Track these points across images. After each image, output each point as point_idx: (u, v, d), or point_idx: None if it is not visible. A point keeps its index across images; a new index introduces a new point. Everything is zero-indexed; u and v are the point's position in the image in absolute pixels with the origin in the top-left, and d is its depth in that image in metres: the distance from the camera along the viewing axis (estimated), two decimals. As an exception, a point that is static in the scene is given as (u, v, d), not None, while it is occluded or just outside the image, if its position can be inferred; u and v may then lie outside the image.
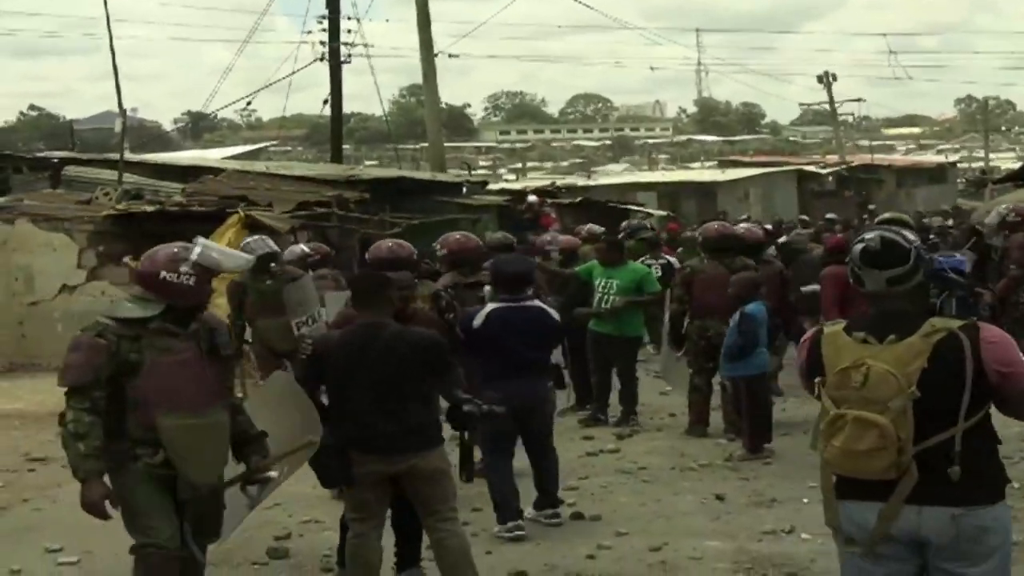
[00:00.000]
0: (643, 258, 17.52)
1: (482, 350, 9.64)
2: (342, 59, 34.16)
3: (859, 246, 5.31)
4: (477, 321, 9.62)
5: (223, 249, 7.97)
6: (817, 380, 5.21)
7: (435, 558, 7.82)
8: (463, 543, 7.80)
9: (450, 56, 39.62)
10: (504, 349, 9.55)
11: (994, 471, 5.13)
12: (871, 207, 34.85)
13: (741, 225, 15.63)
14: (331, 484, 7.98)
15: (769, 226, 24.73)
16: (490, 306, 9.76)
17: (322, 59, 34.23)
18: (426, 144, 46.68)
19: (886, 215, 14.65)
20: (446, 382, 7.97)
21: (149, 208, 20.04)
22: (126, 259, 18.95)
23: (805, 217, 33.45)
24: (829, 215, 30.03)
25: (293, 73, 35.87)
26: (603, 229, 20.87)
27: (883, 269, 5.23)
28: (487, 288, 10.47)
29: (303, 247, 15.63)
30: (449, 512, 7.76)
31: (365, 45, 36.80)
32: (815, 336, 5.37)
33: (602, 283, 14.51)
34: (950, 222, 31.01)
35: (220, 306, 17.97)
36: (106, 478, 6.63)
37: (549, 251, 16.92)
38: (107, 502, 6.62)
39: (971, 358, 4.98)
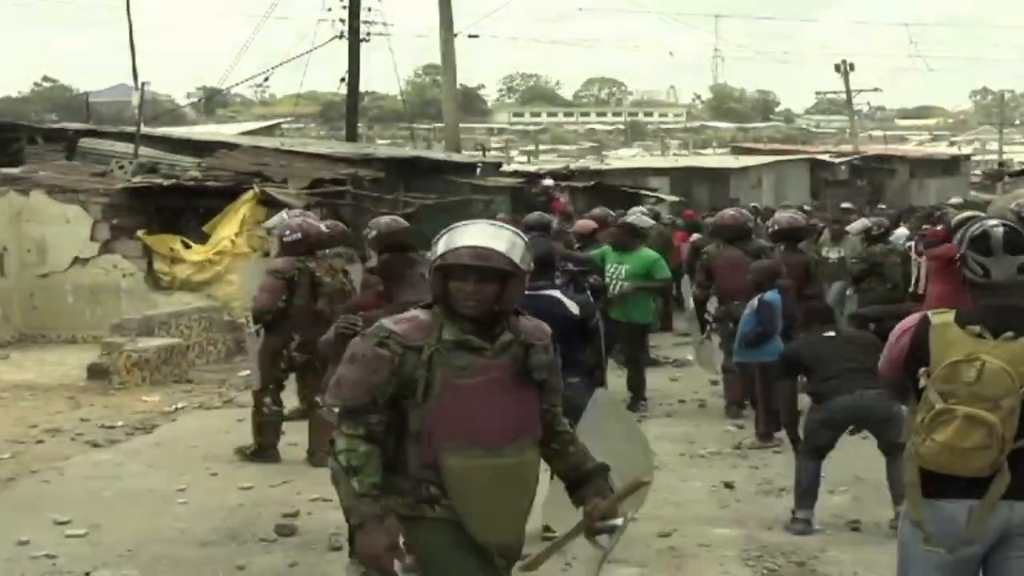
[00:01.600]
0: None
1: None
2: (361, 37, 34.09)
3: (983, 231, 5.14)
4: None
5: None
6: (922, 371, 5.05)
7: None
8: None
9: (469, 36, 39.48)
10: None
11: None
12: (879, 206, 34.58)
13: (727, 211, 15.64)
14: None
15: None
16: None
17: (341, 36, 34.15)
18: (440, 124, 46.63)
19: (966, 214, 14.12)
20: None
21: (164, 182, 20.03)
22: (139, 233, 18.99)
23: (806, 207, 33.03)
24: (844, 204, 29.85)
25: (312, 50, 35.81)
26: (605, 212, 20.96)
27: (1018, 254, 5.11)
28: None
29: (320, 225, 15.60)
30: None
31: (384, 24, 36.73)
32: (921, 325, 5.16)
33: (612, 268, 14.50)
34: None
35: (232, 284, 18.04)
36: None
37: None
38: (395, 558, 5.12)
39: None
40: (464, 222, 5.27)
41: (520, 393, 5.15)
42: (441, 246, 5.06)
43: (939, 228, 16.23)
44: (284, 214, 13.76)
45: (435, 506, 5.06)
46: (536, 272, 8.97)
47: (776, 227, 14.84)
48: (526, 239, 5.24)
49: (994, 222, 5.24)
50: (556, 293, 8.99)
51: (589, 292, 10.99)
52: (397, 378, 5.02)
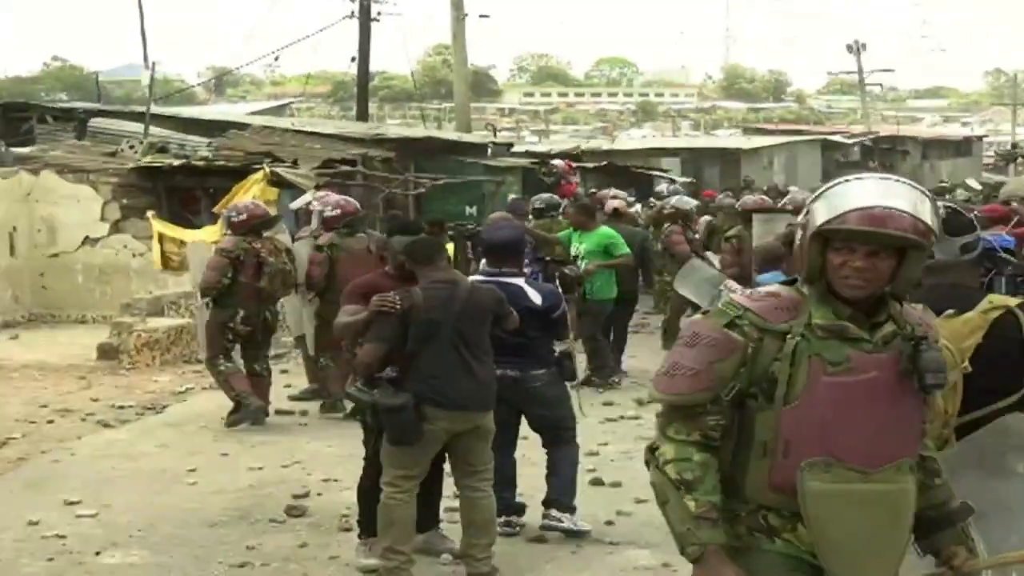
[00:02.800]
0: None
1: None
2: (372, 17, 34.02)
3: None
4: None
5: None
6: None
7: (465, 516, 7.93)
8: (493, 504, 7.99)
9: (480, 16, 39.38)
10: (465, 331, 8.40)
11: None
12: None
13: (750, 196, 16.41)
14: (402, 442, 7.60)
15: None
16: (469, 279, 8.81)
17: (352, 16, 34.08)
18: (450, 104, 46.56)
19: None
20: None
21: (175, 162, 20.01)
22: (149, 213, 18.97)
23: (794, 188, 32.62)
24: None
25: (323, 30, 35.80)
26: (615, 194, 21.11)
27: (957, 235, 5.30)
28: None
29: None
30: (490, 473, 7.96)
31: (395, 3, 36.69)
32: None
33: (573, 248, 14.75)
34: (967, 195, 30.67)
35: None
36: None
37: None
38: None
39: None
40: (849, 177, 4.22)
41: (904, 400, 4.07)
42: (821, 209, 4.04)
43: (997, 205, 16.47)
44: (309, 195, 14.89)
45: (775, 538, 4.10)
46: (503, 259, 8.86)
47: (742, 208, 15.79)
48: (931, 196, 4.14)
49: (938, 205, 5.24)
50: (520, 282, 8.76)
51: (558, 282, 10.97)
52: (749, 370, 4.01)
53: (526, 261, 10.58)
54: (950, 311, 5.04)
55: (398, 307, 7.56)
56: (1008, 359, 4.99)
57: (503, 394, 8.51)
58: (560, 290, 9.93)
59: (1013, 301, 5.15)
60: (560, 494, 8.86)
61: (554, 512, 8.78)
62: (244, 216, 12.77)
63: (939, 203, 5.16)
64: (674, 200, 18.47)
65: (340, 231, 13.05)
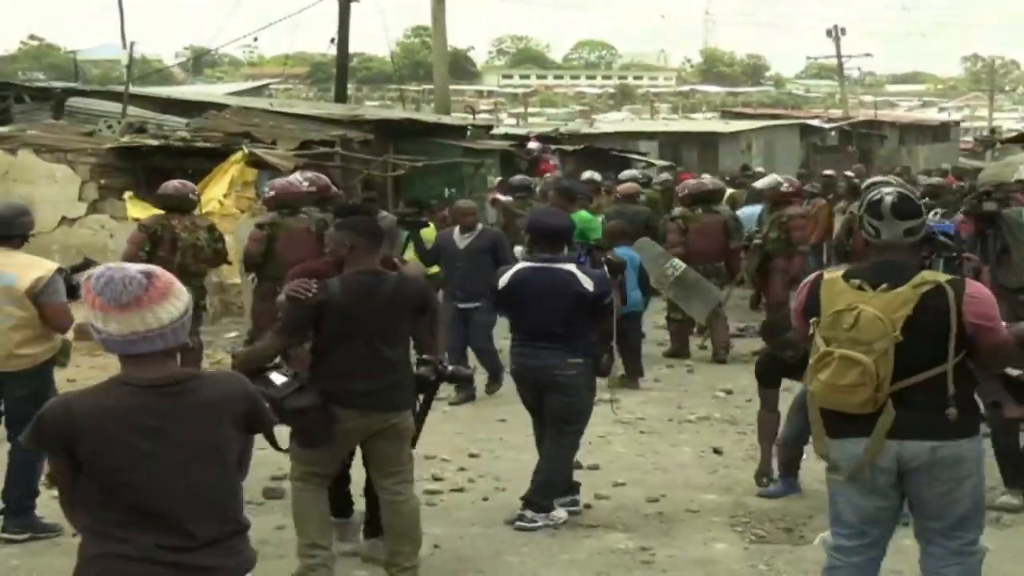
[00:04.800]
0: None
1: (508, 312, 9.17)
2: (352, -2, 33.89)
3: (879, 198, 5.80)
4: (502, 281, 8.83)
5: None
6: (812, 320, 5.72)
7: (385, 521, 7.52)
8: (416, 507, 7.57)
9: (461, -4, 39.32)
10: (526, 314, 8.76)
11: (968, 408, 5.72)
12: (856, 168, 34.38)
13: (705, 177, 17.46)
14: (311, 445, 7.23)
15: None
16: (518, 265, 8.94)
17: (332, -3, 33.94)
18: (429, 86, 46.48)
19: (877, 177, 15.90)
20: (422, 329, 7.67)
21: (153, 142, 19.94)
22: (127, 194, 18.91)
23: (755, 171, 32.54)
24: (827, 172, 29.68)
25: (302, 11, 35.60)
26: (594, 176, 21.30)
27: (904, 219, 5.74)
28: (518, 249, 9.74)
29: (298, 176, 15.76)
30: (410, 475, 7.55)
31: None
32: (815, 281, 5.88)
33: None
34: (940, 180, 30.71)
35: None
36: None
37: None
38: None
39: (954, 310, 5.52)
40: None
41: None
42: None
43: None
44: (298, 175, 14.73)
45: None
46: (550, 244, 8.81)
47: (686, 191, 16.47)
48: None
49: (888, 190, 5.92)
50: (571, 267, 8.70)
51: (606, 268, 11.10)
52: None
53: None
54: (884, 284, 5.57)
55: (311, 297, 7.03)
56: (936, 330, 5.52)
57: (533, 379, 8.73)
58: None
59: (943, 277, 5.71)
60: (539, 494, 8.75)
61: (528, 513, 8.70)
62: (273, 193, 13.66)
63: (891, 188, 5.97)
64: (705, 179, 18.74)
65: (282, 211, 13.47)
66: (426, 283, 7.69)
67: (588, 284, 8.59)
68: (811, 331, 5.72)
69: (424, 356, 7.68)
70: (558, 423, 8.80)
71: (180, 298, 4.27)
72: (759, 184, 16.70)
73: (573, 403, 8.76)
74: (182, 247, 12.87)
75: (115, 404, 4.22)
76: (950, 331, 5.52)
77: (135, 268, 4.23)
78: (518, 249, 10.18)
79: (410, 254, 13.74)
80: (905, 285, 5.57)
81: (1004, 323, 5.86)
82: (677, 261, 15.10)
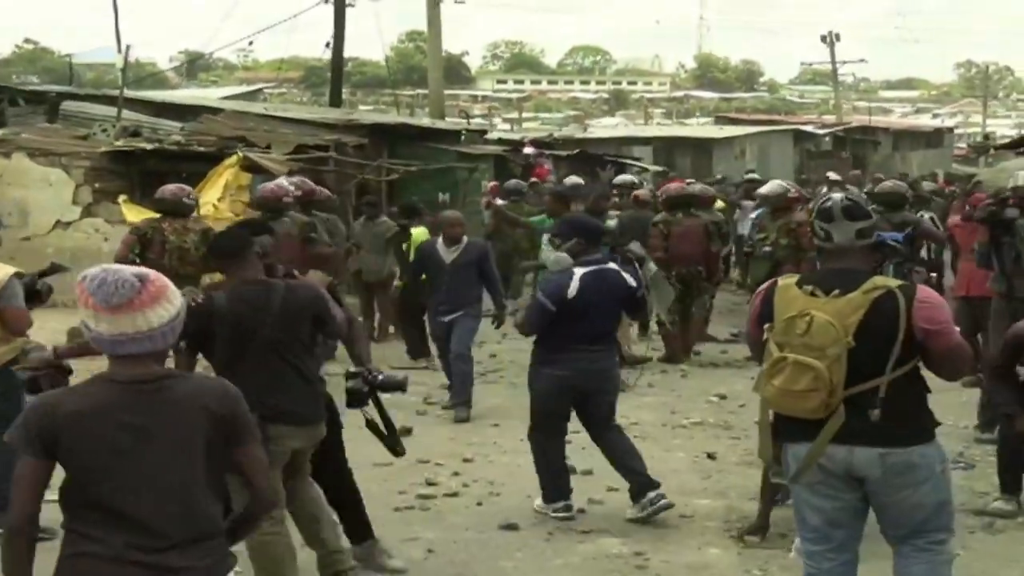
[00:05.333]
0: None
1: (567, 320, 8.70)
2: (347, 2, 33.94)
3: (829, 203, 5.93)
4: (571, 290, 8.61)
5: None
6: (767, 326, 5.79)
7: (308, 531, 7.36)
8: (324, 501, 7.49)
9: (456, 2, 39.31)
10: (587, 319, 8.69)
11: (921, 415, 5.76)
12: (853, 174, 34.34)
13: (887, 182, 17.22)
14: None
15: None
16: (579, 271, 8.68)
17: (327, 1, 33.99)
18: (423, 91, 46.49)
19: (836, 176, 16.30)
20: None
21: (147, 146, 19.95)
22: (121, 198, 18.91)
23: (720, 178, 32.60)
24: (833, 176, 29.71)
25: (298, 15, 35.69)
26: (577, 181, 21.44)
27: (854, 221, 5.83)
28: (552, 255, 9.10)
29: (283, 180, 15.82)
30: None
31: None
32: (769, 288, 5.94)
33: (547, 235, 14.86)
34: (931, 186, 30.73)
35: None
36: None
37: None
38: None
39: (904, 315, 5.56)
40: None
41: None
42: None
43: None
44: (283, 180, 14.84)
45: None
46: (591, 246, 8.85)
47: (665, 195, 16.61)
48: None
49: (839, 195, 6.07)
50: (615, 267, 8.96)
51: (637, 264, 11.14)
52: None
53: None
54: (836, 291, 5.62)
55: (199, 305, 6.62)
56: (887, 336, 5.57)
57: (586, 385, 8.80)
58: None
59: (894, 283, 5.79)
60: (641, 465, 9.01)
61: (653, 494, 8.83)
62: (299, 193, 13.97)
63: (840, 194, 6.13)
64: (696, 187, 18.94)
65: (265, 215, 13.36)
66: (318, 291, 7.20)
67: (632, 281, 8.95)
68: (764, 337, 5.78)
69: (351, 369, 7.51)
70: (605, 422, 9.07)
71: (172, 302, 4.28)
72: (763, 190, 16.66)
73: (615, 399, 9.16)
74: (169, 250, 12.98)
75: (97, 400, 4.22)
76: (897, 336, 5.57)
77: (129, 271, 4.23)
78: (554, 256, 9.24)
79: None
80: (856, 291, 5.62)
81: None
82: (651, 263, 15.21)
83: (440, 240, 13.05)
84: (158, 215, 13.39)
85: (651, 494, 8.83)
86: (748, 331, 6.15)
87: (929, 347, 5.65)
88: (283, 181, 14.49)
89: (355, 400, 7.48)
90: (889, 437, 5.61)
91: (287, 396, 6.79)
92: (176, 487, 4.22)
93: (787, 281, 5.87)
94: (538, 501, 9.08)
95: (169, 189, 13.50)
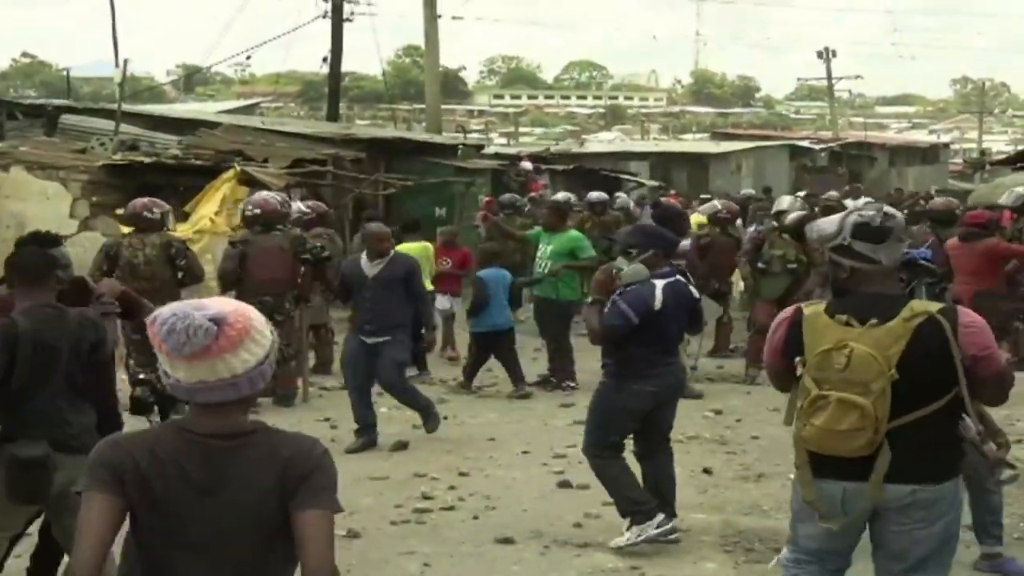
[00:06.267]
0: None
1: (649, 334, 8.44)
2: (345, 17, 34.00)
3: (870, 221, 5.44)
4: (657, 302, 8.34)
5: None
6: (797, 360, 5.40)
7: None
8: None
9: (453, 18, 39.42)
10: (669, 331, 8.62)
11: (955, 448, 5.39)
12: (853, 186, 34.43)
13: (939, 199, 17.66)
14: (35, 500, 6.37)
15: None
16: (659, 283, 8.39)
17: (324, 16, 34.05)
18: (420, 105, 46.55)
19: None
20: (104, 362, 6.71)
21: (145, 160, 19.99)
22: (118, 212, 18.95)
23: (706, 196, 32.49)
24: (831, 194, 29.65)
25: (295, 29, 35.77)
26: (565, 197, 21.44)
27: (901, 241, 5.55)
28: (629, 266, 8.53)
29: (300, 205, 15.85)
30: None
31: (368, 3, 36.67)
32: (794, 317, 5.52)
33: (541, 248, 15.08)
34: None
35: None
36: None
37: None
38: None
39: (952, 342, 5.20)
40: None
41: None
42: None
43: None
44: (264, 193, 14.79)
45: None
46: (667, 257, 8.63)
47: (711, 213, 17.35)
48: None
49: (873, 210, 5.56)
50: (681, 278, 8.71)
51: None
52: None
53: None
54: (873, 320, 5.27)
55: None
56: (933, 365, 5.22)
57: (670, 397, 8.74)
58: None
59: (934, 307, 5.38)
60: (672, 495, 8.87)
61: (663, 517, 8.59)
62: (258, 211, 13.56)
63: (875, 207, 5.67)
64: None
65: (254, 229, 13.54)
66: (94, 316, 6.53)
67: (696, 292, 8.93)
68: (798, 372, 5.41)
69: (140, 376, 7.17)
70: (664, 438, 8.91)
71: (259, 342, 3.74)
72: (790, 217, 16.20)
73: (675, 410, 8.99)
74: (121, 265, 12.93)
75: (168, 448, 3.73)
76: (952, 364, 5.21)
77: (203, 315, 3.63)
78: (632, 267, 8.73)
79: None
80: (896, 318, 5.26)
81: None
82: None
83: (364, 255, 12.13)
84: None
85: (670, 521, 8.59)
86: (769, 362, 5.73)
87: (977, 373, 5.28)
88: (267, 194, 14.51)
89: (140, 408, 7.38)
90: (923, 473, 5.30)
91: (71, 425, 6.32)
92: (235, 556, 3.74)
93: (815, 309, 5.48)
94: (625, 535, 8.56)
95: (135, 203, 13.46)
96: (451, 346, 17.08)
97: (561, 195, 22.24)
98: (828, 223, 5.64)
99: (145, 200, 13.51)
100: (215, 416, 3.73)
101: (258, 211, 13.59)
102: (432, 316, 12.98)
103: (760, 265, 15.11)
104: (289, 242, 13.42)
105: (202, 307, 3.67)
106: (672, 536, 8.56)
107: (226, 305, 3.75)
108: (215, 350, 3.64)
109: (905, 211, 16.73)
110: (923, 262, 8.79)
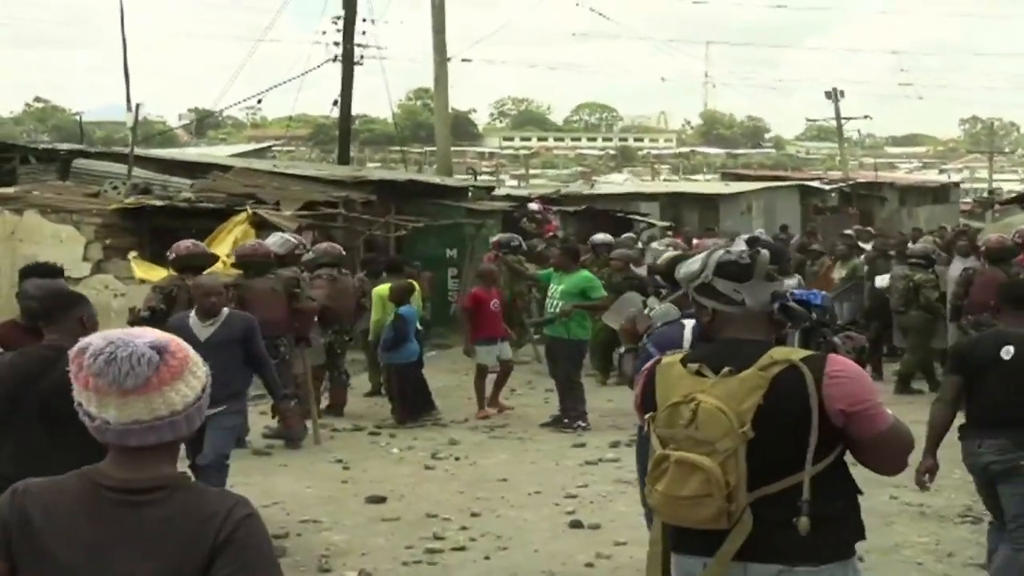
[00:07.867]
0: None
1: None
2: (355, 61, 34.17)
3: (736, 258, 4.70)
4: (686, 342, 7.56)
5: None
6: (648, 416, 4.59)
7: None
8: None
9: (463, 61, 39.63)
10: None
11: (842, 526, 4.46)
12: (859, 227, 34.43)
13: (994, 235, 17.33)
14: None
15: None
16: (688, 323, 7.75)
17: (335, 60, 34.22)
18: (431, 148, 46.71)
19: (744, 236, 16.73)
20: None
21: (157, 203, 20.10)
22: (130, 255, 19.03)
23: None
24: (847, 232, 29.81)
25: (306, 73, 35.91)
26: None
27: (772, 281, 4.72)
28: (660, 306, 8.43)
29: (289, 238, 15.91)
30: None
31: (378, 48, 36.87)
32: (652, 367, 4.73)
33: (552, 288, 15.26)
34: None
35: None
36: None
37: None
38: None
39: (814, 394, 4.33)
40: None
41: None
42: None
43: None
44: (279, 235, 15.36)
45: None
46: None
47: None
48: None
49: (740, 246, 4.79)
50: None
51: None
52: None
53: None
54: (726, 369, 4.43)
55: None
56: (794, 423, 4.36)
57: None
58: None
59: (799, 354, 4.50)
60: None
61: None
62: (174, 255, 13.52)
63: (741, 242, 4.86)
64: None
65: (247, 272, 13.84)
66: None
67: None
68: (647, 429, 4.61)
69: None
70: None
71: (197, 375, 3.24)
72: (661, 258, 16.34)
73: None
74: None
75: (64, 505, 3.17)
76: (809, 424, 4.32)
77: (144, 342, 3.14)
78: (662, 307, 8.79)
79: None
80: (751, 367, 4.40)
81: None
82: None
83: (192, 314, 10.28)
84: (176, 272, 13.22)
85: None
86: (640, 420, 4.89)
87: (851, 435, 4.41)
88: (276, 237, 14.77)
89: None
90: (790, 552, 4.34)
91: (37, 470, 5.74)
92: None
93: (672, 358, 4.68)
94: None
95: (183, 245, 13.56)
96: (496, 402, 16.01)
97: (505, 235, 22.45)
98: (694, 260, 4.80)
99: (190, 242, 13.84)
100: (139, 463, 3.17)
101: (250, 254, 14.01)
102: (278, 382, 10.75)
103: None
104: (282, 284, 13.57)
105: (137, 335, 3.17)
106: None
107: (159, 333, 3.23)
108: (155, 383, 3.13)
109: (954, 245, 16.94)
110: (796, 304, 8.11)
